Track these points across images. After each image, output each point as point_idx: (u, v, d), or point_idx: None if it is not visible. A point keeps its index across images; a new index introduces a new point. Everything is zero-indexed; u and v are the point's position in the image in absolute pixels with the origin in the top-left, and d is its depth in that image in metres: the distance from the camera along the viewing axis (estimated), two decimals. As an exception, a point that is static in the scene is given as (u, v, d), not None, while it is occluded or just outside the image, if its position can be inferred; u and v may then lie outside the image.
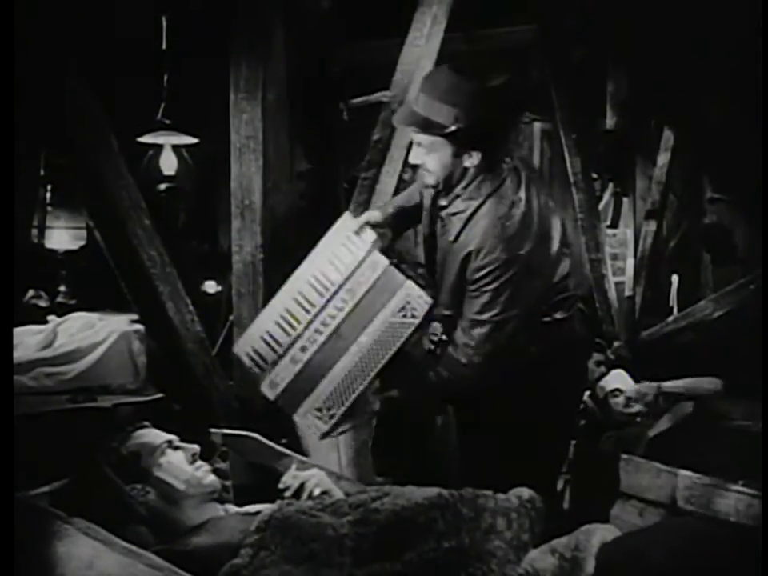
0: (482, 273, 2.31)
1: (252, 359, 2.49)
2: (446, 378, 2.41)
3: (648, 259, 6.29)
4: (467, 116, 2.22)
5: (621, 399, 3.71)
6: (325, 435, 2.41)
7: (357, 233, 2.45)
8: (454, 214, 2.39)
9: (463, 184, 2.36)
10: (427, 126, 2.25)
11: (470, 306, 2.36)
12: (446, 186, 2.38)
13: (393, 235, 2.64)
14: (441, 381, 2.41)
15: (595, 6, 5.20)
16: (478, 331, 2.34)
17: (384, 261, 2.40)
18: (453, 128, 2.22)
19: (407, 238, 3.55)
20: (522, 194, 2.34)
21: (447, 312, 2.45)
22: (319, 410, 2.37)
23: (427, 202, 2.51)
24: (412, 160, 2.40)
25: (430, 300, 2.34)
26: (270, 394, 2.45)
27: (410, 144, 2.45)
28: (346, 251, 2.44)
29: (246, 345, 2.51)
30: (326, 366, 2.38)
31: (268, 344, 2.46)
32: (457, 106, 2.22)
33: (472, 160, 2.31)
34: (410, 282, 2.36)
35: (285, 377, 2.42)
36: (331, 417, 2.37)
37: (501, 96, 2.29)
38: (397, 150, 3.45)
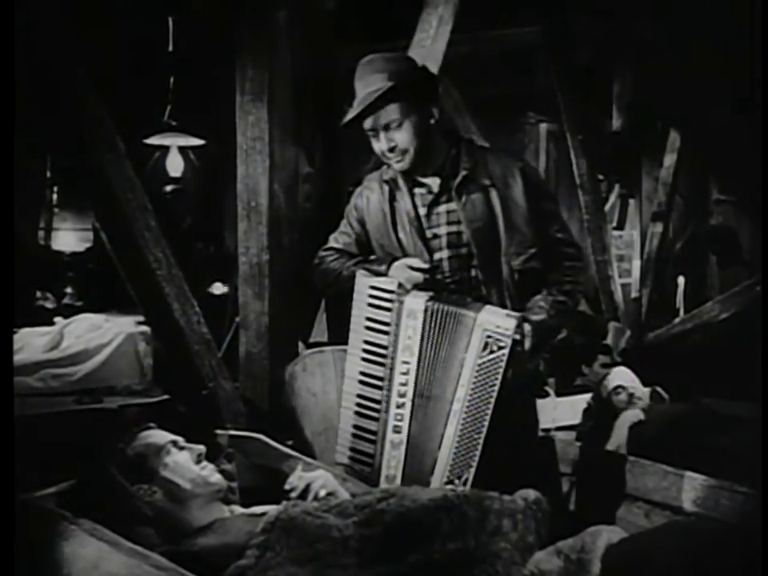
0: (541, 179, 2.56)
1: (356, 460, 2.35)
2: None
3: (654, 261, 6.30)
4: (398, 72, 2.34)
5: (623, 396, 3.68)
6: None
7: (375, 287, 2.33)
8: (471, 169, 2.44)
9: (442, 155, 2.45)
10: (375, 100, 2.32)
11: (547, 224, 2.49)
12: (424, 153, 2.40)
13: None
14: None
15: (601, 7, 5.20)
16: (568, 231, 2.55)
17: (419, 304, 2.26)
18: (391, 83, 2.30)
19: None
20: None
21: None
22: (450, 482, 2.23)
23: (408, 203, 2.47)
24: (383, 146, 2.36)
25: (510, 325, 2.19)
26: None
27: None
28: (378, 310, 2.31)
29: (344, 450, 2.37)
30: (434, 435, 2.25)
31: (362, 438, 2.34)
32: (384, 70, 2.34)
33: (435, 117, 2.40)
34: (481, 316, 2.22)
35: (396, 466, 2.29)
36: (465, 482, 2.22)
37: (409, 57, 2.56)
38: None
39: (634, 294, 6.34)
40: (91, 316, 4.13)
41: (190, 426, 2.44)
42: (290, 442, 2.71)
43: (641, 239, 6.51)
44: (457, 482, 2.23)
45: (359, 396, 2.34)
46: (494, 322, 2.21)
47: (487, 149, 2.56)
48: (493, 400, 2.19)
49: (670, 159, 6.24)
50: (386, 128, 2.34)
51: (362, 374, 2.34)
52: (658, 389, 3.75)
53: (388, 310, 2.31)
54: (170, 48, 5.11)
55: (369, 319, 2.32)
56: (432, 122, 2.39)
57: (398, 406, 2.29)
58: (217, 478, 2.13)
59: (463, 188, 2.42)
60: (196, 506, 2.06)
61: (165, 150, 5.76)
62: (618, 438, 3.46)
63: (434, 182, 2.45)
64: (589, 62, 5.91)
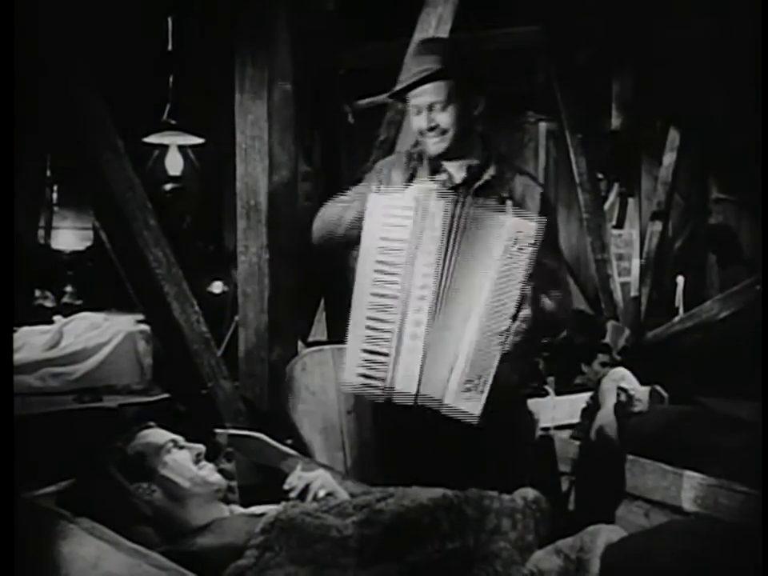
0: (555, 211, 2.62)
1: (364, 385, 2.29)
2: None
3: (654, 260, 6.28)
4: (451, 56, 2.37)
5: (622, 398, 3.68)
6: (481, 417, 2.18)
7: (394, 205, 2.26)
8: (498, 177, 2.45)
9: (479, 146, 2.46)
10: (423, 78, 2.33)
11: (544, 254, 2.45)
12: (460, 141, 2.40)
13: None
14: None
15: (600, 6, 5.19)
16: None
17: (440, 207, 2.21)
18: (442, 66, 2.32)
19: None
20: None
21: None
22: (468, 383, 2.20)
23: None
24: (423, 125, 2.35)
25: (532, 229, 2.16)
26: (411, 388, 2.25)
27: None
28: (393, 227, 2.24)
29: (352, 371, 2.30)
30: (452, 341, 2.22)
31: (373, 361, 2.27)
32: (438, 52, 2.37)
33: (479, 108, 2.42)
34: (504, 218, 2.19)
35: (413, 368, 2.24)
36: (481, 392, 2.18)
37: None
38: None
39: (633, 293, 6.32)
40: (91, 315, 4.14)
41: (190, 425, 2.45)
42: (289, 441, 2.71)
43: (640, 238, 6.49)
44: (473, 389, 2.20)
45: (370, 319, 2.27)
46: (518, 226, 2.19)
47: (515, 167, 2.54)
48: (514, 304, 2.17)
49: (669, 158, 6.23)
50: (430, 108, 2.35)
51: (374, 294, 2.27)
52: (658, 388, 3.75)
53: (403, 226, 2.25)
54: (170, 48, 5.11)
55: (383, 239, 2.26)
56: (475, 113, 2.41)
57: (417, 311, 2.24)
58: (216, 477, 2.13)
59: (481, 192, 2.41)
60: (195, 505, 2.06)
61: (164, 148, 5.76)
62: (606, 405, 3.45)
63: (458, 174, 2.44)
64: (589, 62, 5.91)
